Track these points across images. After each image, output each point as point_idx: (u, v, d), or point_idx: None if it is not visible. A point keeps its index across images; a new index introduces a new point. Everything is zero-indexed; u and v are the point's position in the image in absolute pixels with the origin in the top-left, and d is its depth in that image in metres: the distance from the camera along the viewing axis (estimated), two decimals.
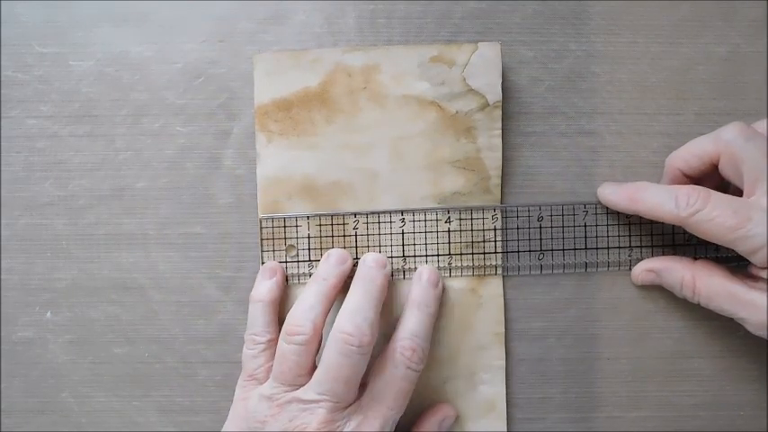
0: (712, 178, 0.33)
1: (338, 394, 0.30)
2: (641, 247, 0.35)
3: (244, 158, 0.35)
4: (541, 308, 0.35)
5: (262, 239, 0.34)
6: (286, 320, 0.31)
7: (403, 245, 0.34)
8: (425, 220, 0.34)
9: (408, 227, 0.34)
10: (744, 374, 0.35)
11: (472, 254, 0.34)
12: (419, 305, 0.33)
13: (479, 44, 0.34)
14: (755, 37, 0.35)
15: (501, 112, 0.34)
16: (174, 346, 0.35)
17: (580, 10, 0.35)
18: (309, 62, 0.34)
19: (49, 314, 0.35)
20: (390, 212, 0.34)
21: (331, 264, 0.33)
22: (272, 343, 0.32)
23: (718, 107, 0.35)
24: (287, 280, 0.34)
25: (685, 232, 0.34)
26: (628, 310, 0.35)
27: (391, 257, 0.34)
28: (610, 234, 0.35)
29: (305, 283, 0.34)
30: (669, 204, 0.31)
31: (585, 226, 0.35)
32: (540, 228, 0.34)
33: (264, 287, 0.33)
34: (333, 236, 0.34)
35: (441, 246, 0.34)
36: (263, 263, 0.34)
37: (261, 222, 0.34)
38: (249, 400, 0.31)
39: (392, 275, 0.34)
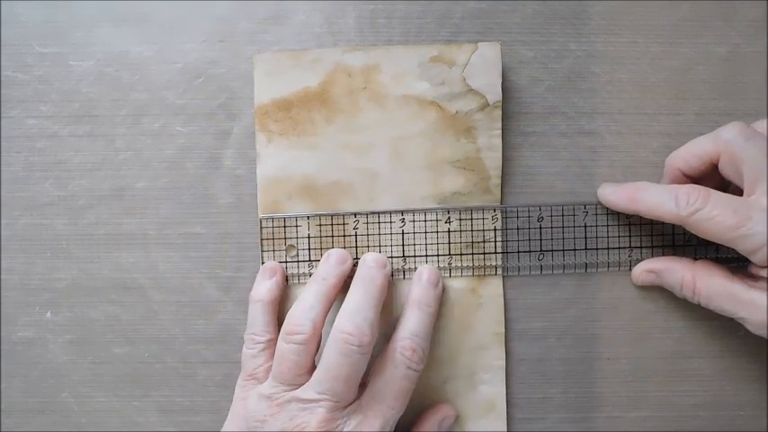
0: (712, 178, 0.33)
1: (338, 394, 0.30)
2: (641, 247, 0.35)
3: (244, 158, 0.35)
4: (541, 308, 0.35)
5: (262, 239, 0.34)
6: (286, 320, 0.31)
7: (403, 245, 0.34)
8: (425, 220, 0.34)
9: (408, 227, 0.34)
10: (744, 374, 0.35)
11: (472, 254, 0.34)
12: (419, 305, 0.33)
13: (479, 44, 0.34)
14: (755, 37, 0.35)
15: (501, 112, 0.34)
16: (174, 346, 0.35)
17: (580, 10, 0.35)
18: (309, 62, 0.34)
19: (49, 314, 0.35)
20: (390, 212, 0.34)
21: (331, 264, 0.33)
22: (272, 343, 0.32)
23: (718, 107, 0.35)
24: (287, 280, 0.34)
25: (685, 232, 0.34)
26: (628, 310, 0.35)
27: (391, 257, 0.34)
28: (610, 234, 0.35)
29: (305, 283, 0.34)
30: (669, 204, 0.31)
31: (585, 226, 0.35)
32: (540, 228, 0.34)
33: (264, 287, 0.33)
34: (333, 236, 0.34)
35: (441, 246, 0.34)
36: (263, 263, 0.34)
37: (261, 222, 0.34)
38: (249, 399, 0.31)
39: (392, 275, 0.34)
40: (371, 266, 0.33)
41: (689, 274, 0.33)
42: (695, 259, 0.34)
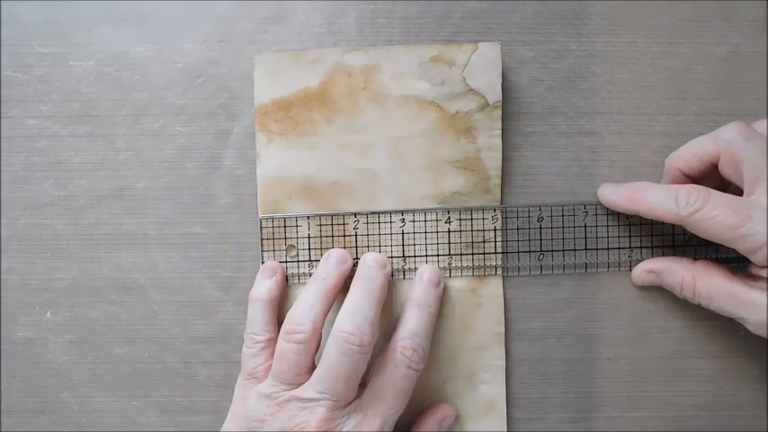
0: (712, 178, 0.33)
1: (338, 393, 0.30)
2: (641, 247, 0.35)
3: (244, 158, 0.35)
4: (541, 308, 0.35)
5: (262, 239, 0.34)
6: (286, 319, 0.31)
7: (403, 245, 0.34)
8: (425, 221, 0.34)
9: (408, 227, 0.34)
10: (744, 374, 0.35)
11: (472, 254, 0.34)
12: (420, 304, 0.33)
13: (479, 44, 0.34)
14: (755, 37, 0.35)
15: (501, 112, 0.34)
16: (174, 346, 0.35)
17: (580, 10, 0.35)
18: (309, 62, 0.34)
19: (49, 314, 0.35)
20: (390, 212, 0.34)
21: (331, 264, 0.33)
22: (271, 342, 0.32)
23: (718, 107, 0.35)
24: (287, 280, 0.34)
25: (685, 233, 0.34)
26: (628, 310, 0.35)
27: (391, 257, 0.34)
28: (610, 235, 0.35)
29: (305, 283, 0.34)
30: (669, 203, 0.31)
31: (585, 226, 0.35)
32: (540, 228, 0.34)
33: (264, 286, 0.33)
34: (333, 236, 0.34)
35: (441, 246, 0.34)
36: (263, 263, 0.34)
37: (261, 222, 0.34)
38: (248, 398, 0.31)
39: (392, 275, 0.34)
40: (371, 266, 0.33)
41: (689, 275, 0.33)
42: (695, 259, 0.34)
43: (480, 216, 0.34)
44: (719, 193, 0.30)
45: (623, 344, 0.35)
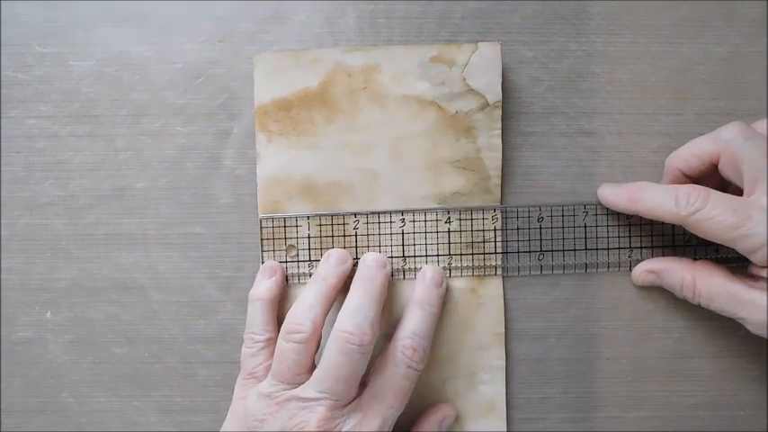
0: (712, 178, 0.33)
1: (338, 393, 0.30)
2: (641, 247, 0.35)
3: (244, 158, 0.35)
4: (541, 308, 0.35)
5: (262, 239, 0.34)
6: (286, 319, 0.31)
7: (403, 245, 0.34)
8: (425, 221, 0.34)
9: (408, 227, 0.34)
10: (744, 374, 0.35)
11: (472, 254, 0.34)
12: (422, 304, 0.33)
13: (479, 44, 0.34)
14: (755, 37, 0.35)
15: (501, 112, 0.34)
16: (174, 346, 0.35)
17: (580, 10, 0.35)
18: (309, 62, 0.34)
19: (49, 314, 0.35)
20: (390, 212, 0.34)
21: (331, 264, 0.33)
22: (271, 341, 0.32)
23: (718, 107, 0.35)
24: (287, 280, 0.34)
25: (685, 233, 0.34)
26: (628, 310, 0.35)
27: (391, 257, 0.34)
28: (610, 235, 0.35)
29: (305, 283, 0.34)
30: (669, 203, 0.31)
31: (585, 226, 0.35)
32: (540, 228, 0.34)
33: (263, 286, 0.33)
34: (333, 236, 0.34)
35: (441, 246, 0.34)
36: (263, 263, 0.34)
37: (261, 222, 0.34)
38: (248, 398, 0.31)
39: (392, 276, 0.34)
40: (372, 266, 0.33)
41: (689, 275, 0.33)
42: (695, 260, 0.34)
43: (480, 216, 0.34)
44: (719, 193, 0.30)
45: (623, 344, 0.35)
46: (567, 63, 0.35)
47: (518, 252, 0.35)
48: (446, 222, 0.34)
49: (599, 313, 0.35)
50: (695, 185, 0.31)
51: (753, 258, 0.30)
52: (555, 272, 0.35)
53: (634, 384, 0.35)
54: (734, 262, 0.34)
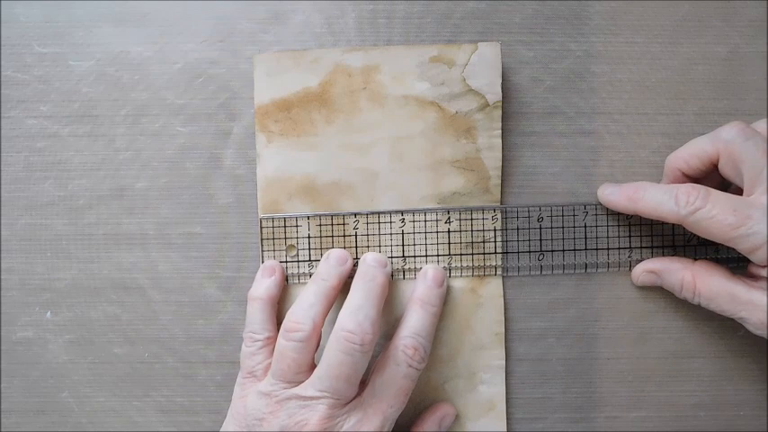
0: (712, 178, 0.33)
1: (338, 391, 0.30)
2: (641, 248, 0.35)
3: (244, 158, 0.35)
4: (541, 308, 0.35)
5: (262, 239, 0.34)
6: (286, 318, 0.31)
7: (403, 245, 0.34)
8: (425, 221, 0.34)
9: (408, 227, 0.34)
10: (744, 374, 0.35)
11: (472, 254, 0.34)
12: (423, 303, 0.33)
13: (479, 44, 0.34)
14: (755, 37, 0.35)
15: (501, 112, 0.34)
16: (174, 346, 0.35)
17: (580, 10, 0.35)
18: (309, 62, 0.34)
19: (48, 314, 0.35)
20: (390, 212, 0.34)
21: (331, 264, 0.33)
22: (270, 340, 0.32)
23: (718, 107, 0.35)
24: (287, 280, 0.34)
25: (685, 233, 0.34)
26: (628, 310, 0.35)
27: (391, 257, 0.34)
28: (610, 235, 0.35)
29: (305, 283, 0.34)
30: (669, 203, 0.31)
31: (585, 227, 0.35)
32: (540, 228, 0.34)
33: (263, 285, 0.33)
34: (333, 236, 0.34)
35: (441, 246, 0.34)
36: (263, 263, 0.34)
37: (261, 222, 0.34)
38: (247, 397, 0.31)
39: (392, 276, 0.34)
40: (372, 265, 0.33)
41: (689, 275, 0.33)
42: (695, 260, 0.34)
43: (480, 216, 0.34)
44: (719, 192, 0.30)
45: (623, 344, 0.35)
46: (567, 63, 0.35)
47: (518, 252, 0.35)
48: (446, 222, 0.34)
49: (599, 313, 0.35)
50: (695, 185, 0.31)
51: (752, 258, 0.30)
52: (555, 272, 0.35)
53: (634, 384, 0.35)
54: (734, 262, 0.34)
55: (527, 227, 0.34)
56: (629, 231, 0.35)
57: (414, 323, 0.32)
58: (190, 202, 0.35)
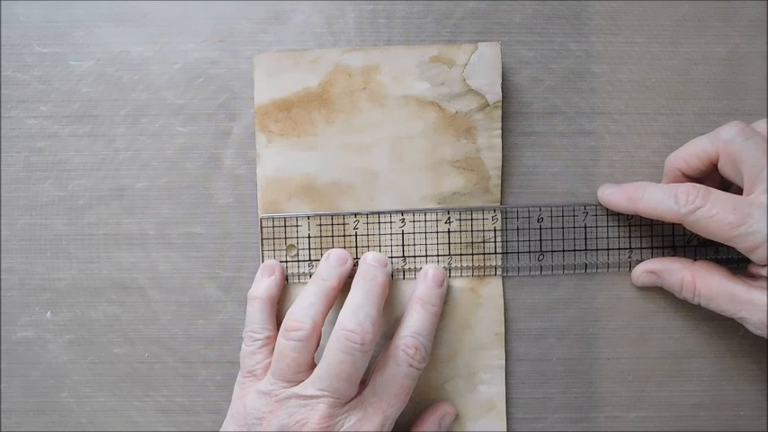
0: (712, 178, 0.33)
1: (339, 391, 0.30)
2: (641, 248, 0.35)
3: (244, 158, 0.35)
4: (541, 308, 0.35)
5: (262, 239, 0.34)
6: (285, 317, 0.31)
7: (403, 245, 0.34)
8: (425, 221, 0.34)
9: (408, 227, 0.34)
10: (744, 374, 0.35)
11: (472, 254, 0.34)
12: (423, 303, 0.33)
13: (479, 44, 0.34)
14: (755, 37, 0.35)
15: (501, 112, 0.34)
16: (174, 346, 0.35)
17: (580, 10, 0.35)
18: (309, 62, 0.34)
19: (48, 314, 0.35)
20: (390, 212, 0.34)
21: (331, 264, 0.33)
22: (270, 340, 0.32)
23: (718, 107, 0.35)
24: (287, 279, 0.34)
25: (685, 233, 0.34)
26: (628, 310, 0.35)
27: (391, 257, 0.34)
28: (610, 235, 0.35)
29: (305, 283, 0.34)
30: (669, 202, 0.31)
31: (585, 227, 0.35)
32: (540, 229, 0.34)
33: (263, 284, 0.33)
34: (333, 236, 0.34)
35: (441, 246, 0.34)
36: (263, 262, 0.34)
37: (261, 222, 0.34)
38: (247, 396, 0.31)
39: (392, 275, 0.34)
40: (372, 265, 0.33)
41: (689, 275, 0.33)
42: (695, 260, 0.34)
43: (480, 216, 0.34)
44: (719, 191, 0.30)
45: (623, 344, 0.35)
46: (567, 63, 0.35)
47: (518, 252, 0.35)
48: (446, 222, 0.34)
49: (599, 313, 0.35)
50: (695, 184, 0.31)
51: (752, 257, 0.30)
52: (555, 272, 0.35)
53: (634, 384, 0.35)
54: (734, 263, 0.34)
55: (527, 227, 0.34)
56: (629, 232, 0.35)
57: (414, 323, 0.32)
58: (190, 202, 0.35)
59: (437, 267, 0.34)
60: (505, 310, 0.35)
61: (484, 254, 0.34)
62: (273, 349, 0.32)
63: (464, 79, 0.34)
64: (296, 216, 0.34)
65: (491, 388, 0.35)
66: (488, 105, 0.34)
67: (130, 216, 0.35)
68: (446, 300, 0.34)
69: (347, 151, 0.34)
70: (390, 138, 0.34)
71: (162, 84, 0.35)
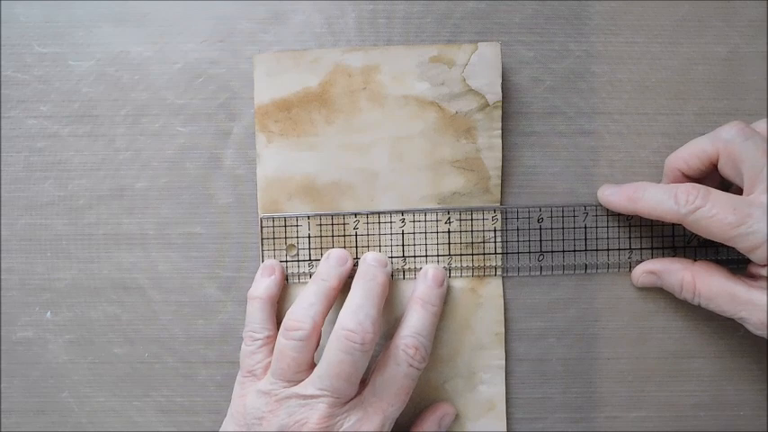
0: (712, 178, 0.33)
1: (339, 390, 0.30)
2: (641, 248, 0.35)
3: (244, 158, 0.35)
4: (541, 308, 0.35)
5: (262, 239, 0.34)
6: (285, 317, 0.31)
7: (403, 245, 0.34)
8: (425, 221, 0.34)
9: (408, 227, 0.34)
10: (744, 374, 0.35)
11: (472, 254, 0.34)
12: (423, 303, 0.33)
13: (479, 44, 0.34)
14: (755, 37, 0.35)
15: (501, 112, 0.34)
16: (174, 346, 0.35)
17: (580, 10, 0.35)
18: (309, 62, 0.34)
19: (48, 314, 0.35)
20: (390, 212, 0.34)
21: (331, 264, 0.33)
22: (270, 339, 0.32)
23: (718, 107, 0.35)
24: (287, 279, 0.34)
25: (685, 234, 0.34)
26: (628, 310, 0.35)
27: (391, 257, 0.34)
28: (610, 235, 0.35)
29: (305, 283, 0.34)
30: (669, 202, 0.31)
31: (585, 227, 0.35)
32: (540, 229, 0.34)
33: (263, 284, 0.33)
34: (333, 236, 0.34)
35: (441, 246, 0.34)
36: (263, 262, 0.34)
37: (261, 222, 0.34)
38: (247, 396, 0.31)
39: (392, 275, 0.34)
40: (372, 265, 0.33)
41: (689, 275, 0.33)
42: (695, 260, 0.34)
43: (480, 216, 0.34)
44: (719, 191, 0.30)
45: (623, 344, 0.35)
46: (567, 63, 0.35)
47: (518, 252, 0.35)
48: (446, 222, 0.34)
49: (599, 313, 0.35)
50: (695, 184, 0.31)
51: (752, 257, 0.30)
52: (555, 272, 0.35)
53: (634, 384, 0.35)
54: (734, 263, 0.34)
55: (527, 227, 0.34)
56: (629, 232, 0.35)
57: (414, 323, 0.32)
58: (190, 202, 0.35)
59: (437, 267, 0.34)
60: (505, 310, 0.35)
61: (484, 254, 0.34)
62: (273, 349, 0.32)
63: (464, 79, 0.34)
64: (296, 216, 0.34)
65: (491, 388, 0.35)
66: (488, 105, 0.34)
67: (130, 216, 0.35)
68: (446, 300, 0.34)
69: (347, 151, 0.34)
70: (390, 138, 0.34)
71: (162, 84, 0.35)
